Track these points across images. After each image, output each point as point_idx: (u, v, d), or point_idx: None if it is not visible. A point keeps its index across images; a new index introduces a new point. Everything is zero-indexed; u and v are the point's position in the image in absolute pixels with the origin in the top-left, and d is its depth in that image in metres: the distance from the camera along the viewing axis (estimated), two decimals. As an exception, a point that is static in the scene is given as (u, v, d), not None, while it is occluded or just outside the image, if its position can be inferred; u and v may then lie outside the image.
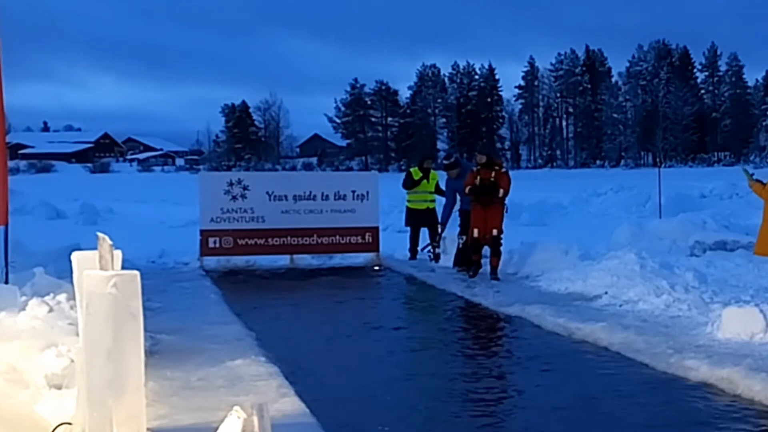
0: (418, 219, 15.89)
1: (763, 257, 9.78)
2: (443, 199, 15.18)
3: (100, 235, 5.12)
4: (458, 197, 14.19)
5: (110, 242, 5.06)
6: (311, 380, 7.13)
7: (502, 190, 12.77)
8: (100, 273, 4.52)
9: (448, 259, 14.76)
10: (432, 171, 16.11)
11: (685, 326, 8.72)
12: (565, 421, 6.15)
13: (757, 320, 7.91)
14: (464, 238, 13.29)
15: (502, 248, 12.81)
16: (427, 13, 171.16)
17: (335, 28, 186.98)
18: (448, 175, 14.48)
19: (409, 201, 16.07)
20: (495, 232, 12.69)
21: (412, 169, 16.24)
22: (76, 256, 5.06)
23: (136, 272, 4.42)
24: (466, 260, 13.20)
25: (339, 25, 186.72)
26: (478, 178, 12.78)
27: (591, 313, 9.66)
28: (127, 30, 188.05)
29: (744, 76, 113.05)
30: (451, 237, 15.31)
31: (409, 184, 15.92)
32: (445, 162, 14.76)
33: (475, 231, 12.79)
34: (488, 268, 12.89)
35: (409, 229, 16.05)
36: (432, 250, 15.06)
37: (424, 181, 15.86)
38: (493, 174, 12.76)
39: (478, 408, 6.51)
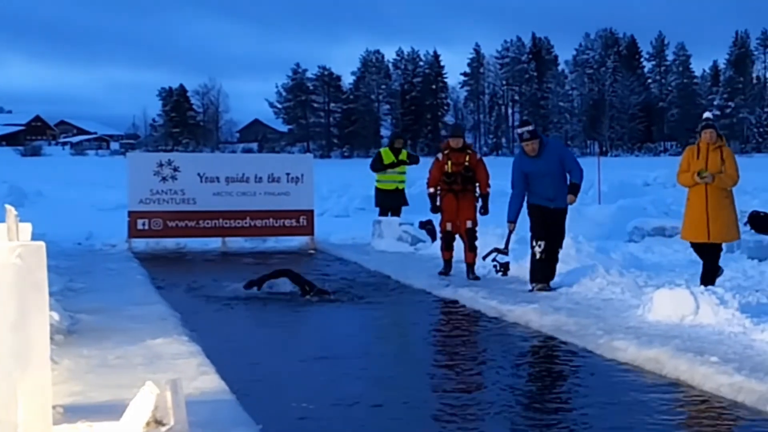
0: (387, 200, 15.51)
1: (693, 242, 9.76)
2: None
3: (7, 206, 5.02)
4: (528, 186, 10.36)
5: (16, 213, 4.94)
6: (235, 359, 7.00)
7: (480, 185, 11.42)
8: (4, 243, 4.39)
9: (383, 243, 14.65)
10: (403, 151, 15.70)
11: (617, 309, 8.71)
12: (484, 400, 6.06)
13: (687, 302, 7.91)
14: (542, 245, 10.05)
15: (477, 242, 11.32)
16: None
17: (277, 11, 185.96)
18: (524, 151, 10.36)
19: (377, 181, 15.67)
20: (470, 224, 11.31)
21: (382, 150, 15.82)
22: (-17, 228, 4.90)
23: (42, 243, 4.38)
24: (544, 274, 10.08)
25: (281, 9, 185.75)
26: (449, 163, 11.38)
27: (524, 296, 9.62)
28: (55, 11, 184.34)
29: (691, 66, 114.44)
30: (388, 221, 15.20)
31: (378, 167, 15.45)
32: (527, 131, 10.27)
33: (448, 225, 11.39)
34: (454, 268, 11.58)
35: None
36: (497, 259, 11.04)
37: (394, 161, 15.38)
38: (467, 158, 11.43)
39: (400, 389, 6.40)
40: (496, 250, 10.94)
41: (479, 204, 11.55)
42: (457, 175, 11.31)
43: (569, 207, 10.35)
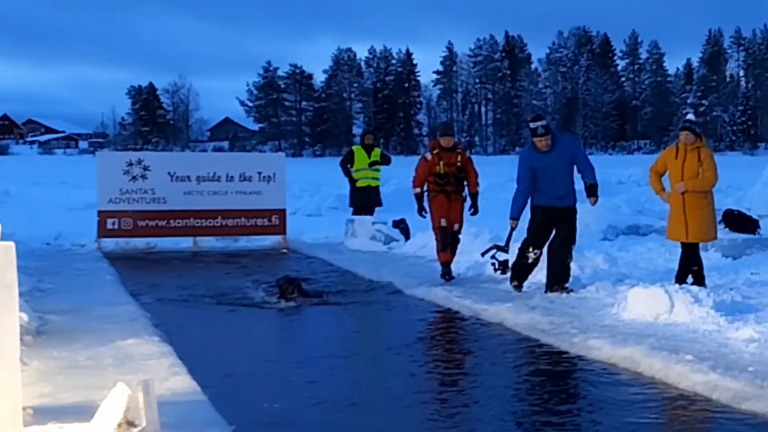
0: (361, 198, 15.38)
1: (675, 241, 9.83)
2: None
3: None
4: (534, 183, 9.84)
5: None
6: (207, 360, 6.92)
7: (469, 184, 11.10)
8: (-28, 244, 4.30)
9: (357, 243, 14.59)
10: (375, 149, 15.63)
11: (591, 307, 8.70)
12: (460, 401, 6.04)
13: (662, 301, 7.92)
14: (537, 253, 9.75)
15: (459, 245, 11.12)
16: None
17: (247, 9, 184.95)
18: (534, 146, 9.81)
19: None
20: (457, 227, 11.00)
21: (355, 148, 15.71)
22: (-49, 229, 4.80)
23: (11, 243, 4.33)
24: (522, 274, 9.90)
25: (251, 6, 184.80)
26: (441, 164, 10.94)
27: (498, 295, 9.59)
28: (21, 8, 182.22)
29: (664, 64, 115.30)
30: (361, 220, 15.13)
31: (346, 167, 15.36)
32: (542, 125, 9.69)
33: (443, 221, 10.87)
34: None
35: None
36: (496, 257, 10.53)
37: (366, 166, 15.30)
38: (458, 158, 11.04)
39: (375, 389, 6.36)
40: (496, 247, 10.52)
41: (467, 204, 11.21)
42: (450, 176, 10.96)
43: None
